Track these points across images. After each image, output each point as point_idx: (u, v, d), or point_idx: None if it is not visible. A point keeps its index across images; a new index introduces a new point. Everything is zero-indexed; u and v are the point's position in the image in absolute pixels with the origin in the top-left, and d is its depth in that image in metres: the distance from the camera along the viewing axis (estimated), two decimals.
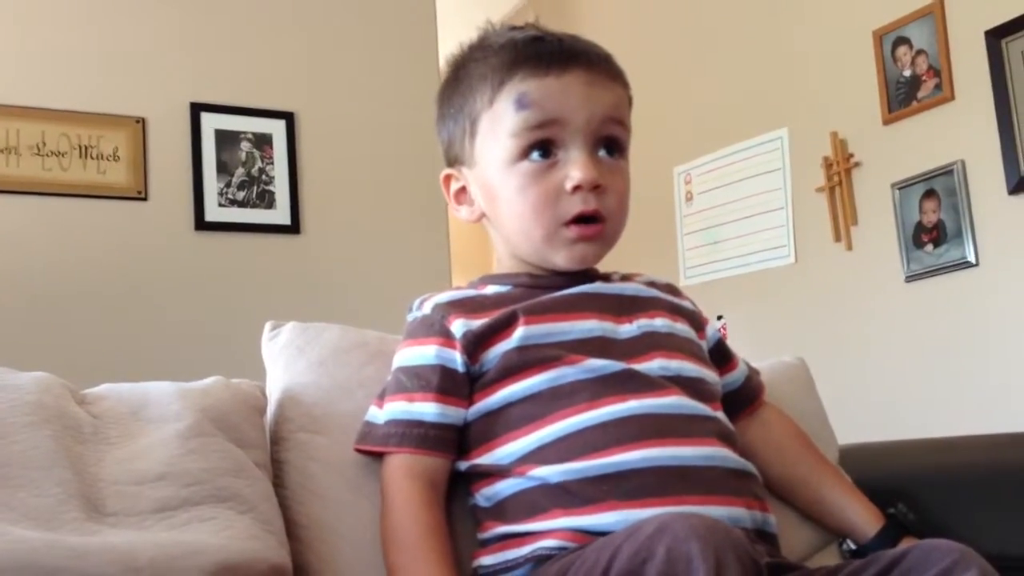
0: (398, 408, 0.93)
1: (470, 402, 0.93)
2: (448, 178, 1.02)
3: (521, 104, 0.93)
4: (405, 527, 0.88)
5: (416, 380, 0.94)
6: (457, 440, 0.93)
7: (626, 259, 3.57)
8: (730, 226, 2.86)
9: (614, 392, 0.89)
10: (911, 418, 2.28)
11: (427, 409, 0.92)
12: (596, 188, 0.92)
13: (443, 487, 0.93)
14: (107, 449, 0.79)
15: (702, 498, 0.85)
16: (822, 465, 1.06)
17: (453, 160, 1.01)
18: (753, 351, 2.82)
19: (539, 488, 0.87)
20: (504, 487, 0.89)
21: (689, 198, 3.00)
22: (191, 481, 0.79)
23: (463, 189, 1.01)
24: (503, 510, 0.89)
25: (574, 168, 0.92)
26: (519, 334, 0.92)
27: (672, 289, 1.05)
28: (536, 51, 0.94)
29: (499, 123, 0.94)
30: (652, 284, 1.03)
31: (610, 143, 0.95)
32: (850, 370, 2.48)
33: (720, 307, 2.86)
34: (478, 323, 0.94)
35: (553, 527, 0.85)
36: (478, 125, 0.96)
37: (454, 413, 0.92)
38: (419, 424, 0.92)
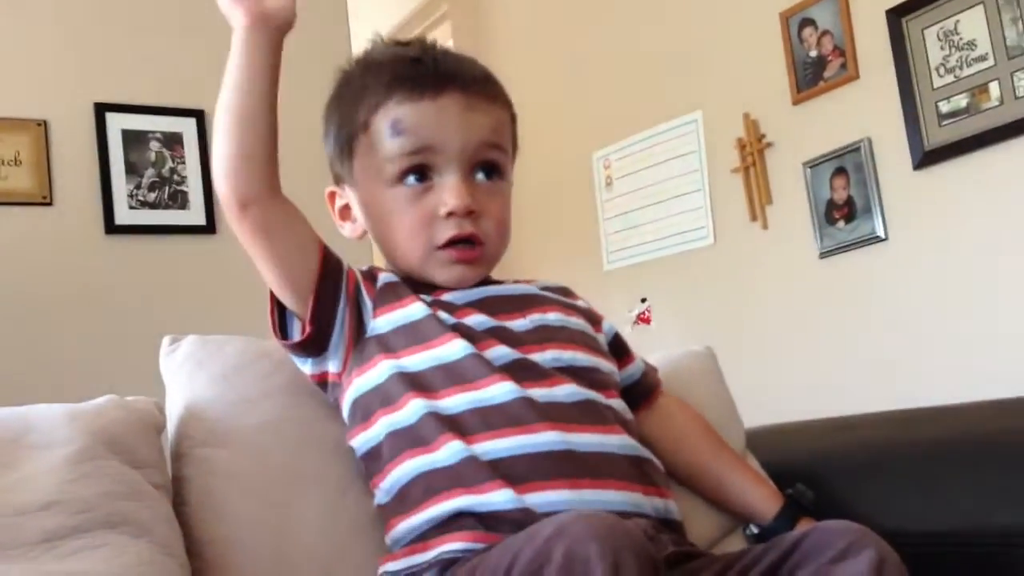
0: None
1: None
2: (332, 195, 1.02)
3: (396, 130, 0.93)
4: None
5: None
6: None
7: (550, 246, 3.56)
8: (650, 209, 2.88)
9: (508, 378, 0.89)
10: (828, 394, 2.32)
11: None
12: (471, 213, 0.93)
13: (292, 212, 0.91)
14: None
15: (597, 482, 0.86)
16: (723, 451, 1.08)
17: (336, 177, 1.01)
18: (677, 332, 2.86)
19: (435, 472, 0.87)
20: (402, 474, 0.89)
21: (609, 183, 3.01)
22: (81, 508, 0.76)
23: (347, 206, 1.01)
24: (403, 499, 0.89)
25: (448, 194, 0.93)
26: (417, 306, 0.93)
27: (565, 291, 1.06)
28: (412, 73, 0.94)
29: (375, 147, 0.95)
30: (545, 288, 1.04)
31: (488, 166, 0.96)
32: (769, 348, 2.53)
33: (643, 290, 2.89)
34: (394, 278, 0.96)
35: (450, 508, 0.85)
36: (356, 146, 0.97)
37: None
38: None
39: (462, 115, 0.93)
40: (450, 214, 0.93)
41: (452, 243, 0.94)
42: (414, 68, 0.94)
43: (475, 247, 0.95)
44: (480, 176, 0.95)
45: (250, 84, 0.86)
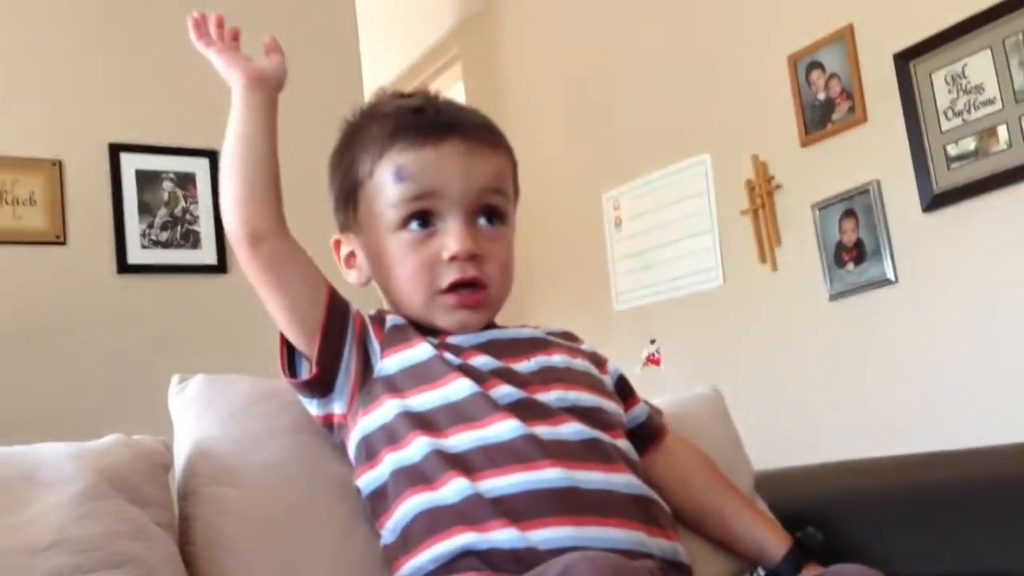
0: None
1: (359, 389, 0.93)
2: (338, 243, 1.04)
3: (399, 176, 0.95)
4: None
5: None
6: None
7: (560, 286, 3.55)
8: (660, 250, 2.89)
9: (513, 416, 0.89)
10: (837, 437, 2.31)
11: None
12: (474, 258, 0.94)
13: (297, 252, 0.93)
14: None
15: (601, 520, 0.86)
16: (730, 492, 1.07)
17: (341, 225, 1.03)
18: (686, 373, 2.84)
19: (439, 510, 0.87)
20: (405, 512, 0.89)
21: (618, 224, 3.02)
22: (84, 547, 0.76)
23: (352, 253, 1.02)
24: (407, 538, 0.89)
25: (450, 239, 0.95)
26: (424, 347, 0.93)
27: (570, 336, 1.07)
28: (415, 122, 0.96)
29: (379, 193, 0.97)
30: (550, 333, 1.05)
31: (490, 212, 0.98)
32: (778, 390, 2.52)
33: (653, 331, 2.88)
34: (401, 321, 0.97)
35: (454, 547, 0.84)
36: (360, 194, 0.99)
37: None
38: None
39: (464, 161, 0.95)
40: (453, 258, 0.94)
41: (455, 287, 0.95)
42: (417, 117, 0.97)
43: (478, 291, 0.96)
44: (482, 221, 0.97)
45: (253, 135, 0.92)
